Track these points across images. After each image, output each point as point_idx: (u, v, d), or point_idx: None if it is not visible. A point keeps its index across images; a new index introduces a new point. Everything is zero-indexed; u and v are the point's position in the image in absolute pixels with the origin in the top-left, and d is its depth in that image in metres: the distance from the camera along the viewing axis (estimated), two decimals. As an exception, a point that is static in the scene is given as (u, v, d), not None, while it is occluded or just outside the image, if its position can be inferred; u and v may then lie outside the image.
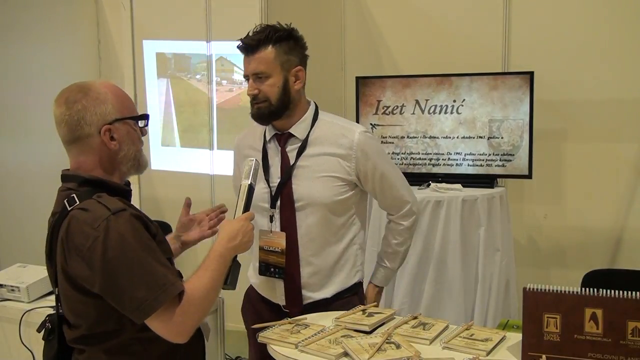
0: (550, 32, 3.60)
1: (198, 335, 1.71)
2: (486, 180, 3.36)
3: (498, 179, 3.43)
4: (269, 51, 1.97)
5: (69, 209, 1.52)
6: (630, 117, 3.52)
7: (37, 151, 3.88)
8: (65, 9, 4.27)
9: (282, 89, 1.99)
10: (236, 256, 1.67)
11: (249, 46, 1.98)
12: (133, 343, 1.55)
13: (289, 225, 2.03)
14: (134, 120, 1.63)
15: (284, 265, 2.03)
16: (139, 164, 1.65)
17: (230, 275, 1.63)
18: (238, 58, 4.05)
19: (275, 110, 2.00)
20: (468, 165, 3.43)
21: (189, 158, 4.23)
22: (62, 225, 1.52)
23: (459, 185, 3.28)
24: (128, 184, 1.71)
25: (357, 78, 3.58)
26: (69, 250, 1.50)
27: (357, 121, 3.53)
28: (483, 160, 3.40)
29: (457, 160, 3.44)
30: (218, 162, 4.07)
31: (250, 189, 1.79)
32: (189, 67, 4.18)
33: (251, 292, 2.20)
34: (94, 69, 4.48)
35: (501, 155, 3.37)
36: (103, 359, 1.56)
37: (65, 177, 1.61)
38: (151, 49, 4.24)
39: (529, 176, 3.33)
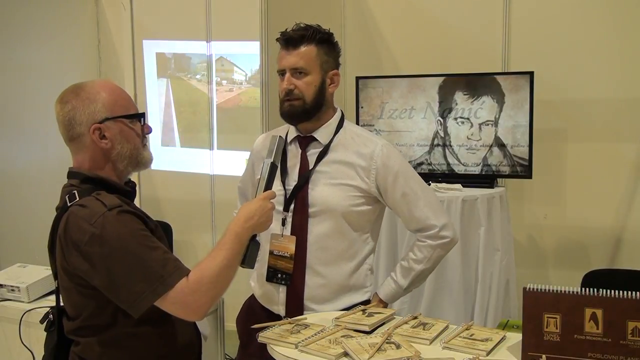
0: (550, 32, 3.60)
1: (196, 336, 1.73)
2: (486, 180, 3.35)
3: (498, 179, 3.42)
4: (311, 48, 1.95)
5: (69, 204, 1.56)
6: (630, 117, 3.52)
7: (37, 151, 3.88)
8: (65, 9, 4.27)
9: (318, 89, 1.96)
10: (255, 235, 1.67)
11: (292, 40, 1.95)
12: (126, 337, 1.59)
13: (299, 230, 1.98)
14: (128, 118, 1.64)
15: (291, 271, 1.98)
16: (137, 161, 1.67)
17: (248, 254, 1.63)
18: (238, 58, 4.07)
19: (308, 110, 1.96)
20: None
21: (189, 158, 4.23)
22: (62, 220, 1.57)
23: (459, 185, 3.28)
24: (133, 185, 1.74)
25: (357, 78, 3.57)
26: (67, 245, 1.54)
27: (357, 123, 3.52)
28: (505, 172, 3.26)
29: (474, 171, 3.30)
30: (218, 162, 4.07)
31: (273, 167, 1.75)
32: (189, 67, 4.18)
33: (252, 302, 2.15)
34: (94, 69, 4.48)
35: (527, 166, 3.22)
36: (97, 351, 1.60)
37: (70, 173, 1.66)
38: (151, 49, 4.24)
39: (529, 176, 3.32)
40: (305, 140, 2.04)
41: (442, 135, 3.23)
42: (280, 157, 1.80)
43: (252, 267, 1.66)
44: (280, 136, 1.80)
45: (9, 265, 2.85)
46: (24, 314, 2.44)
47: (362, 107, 3.29)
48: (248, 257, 1.64)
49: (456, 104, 3.25)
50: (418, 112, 3.20)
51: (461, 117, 3.18)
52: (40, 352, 1.78)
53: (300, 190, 1.99)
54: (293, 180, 2.01)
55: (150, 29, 4.11)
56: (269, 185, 1.74)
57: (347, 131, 2.04)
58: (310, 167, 2.00)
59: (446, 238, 2.02)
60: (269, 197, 1.71)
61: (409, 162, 3.28)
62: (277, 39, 2.01)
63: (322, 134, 2.02)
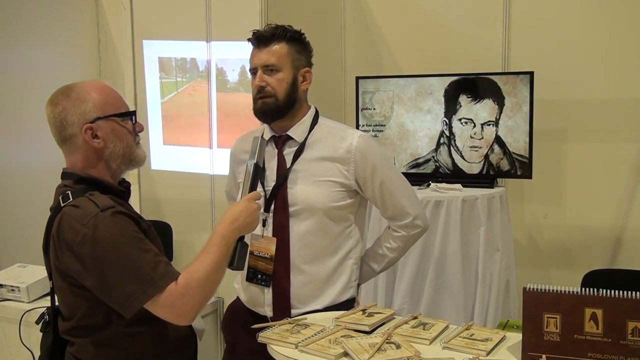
0: (550, 32, 3.60)
1: (190, 334, 1.73)
2: (486, 180, 3.35)
3: (498, 179, 3.43)
4: (282, 46, 1.97)
5: (62, 205, 1.57)
6: (630, 117, 3.51)
7: (37, 151, 3.88)
8: (65, 9, 4.27)
9: (290, 86, 1.97)
10: (243, 237, 1.66)
11: (263, 38, 1.98)
12: (120, 337, 1.59)
13: (281, 230, 1.99)
14: (119, 117, 1.64)
15: (271, 272, 1.98)
16: (131, 159, 1.68)
17: (237, 256, 1.63)
18: (237, 57, 4.06)
19: (281, 107, 1.97)
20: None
21: (189, 158, 4.23)
22: (55, 220, 1.57)
23: (459, 185, 3.28)
24: (127, 185, 1.74)
25: (357, 78, 3.58)
26: (60, 245, 1.55)
27: (357, 122, 3.53)
28: (505, 168, 3.28)
29: (477, 168, 3.32)
30: (218, 161, 4.07)
31: (257, 168, 1.75)
32: (190, 67, 4.18)
33: (237, 305, 2.15)
34: (94, 69, 4.48)
35: (525, 162, 3.25)
36: (91, 351, 1.60)
37: (64, 174, 1.67)
38: (152, 49, 4.24)
39: (529, 176, 3.32)
40: (281, 140, 2.04)
41: (448, 134, 3.28)
42: (263, 158, 1.80)
43: (242, 269, 1.66)
44: (262, 137, 1.81)
45: (9, 265, 2.86)
46: (24, 314, 2.44)
47: (374, 109, 3.34)
48: (237, 259, 1.63)
49: (460, 106, 3.29)
50: (425, 113, 3.27)
51: (465, 118, 3.24)
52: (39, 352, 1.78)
53: (279, 190, 1.99)
54: (272, 180, 2.02)
55: (150, 29, 4.11)
56: (253, 186, 1.74)
57: (322, 126, 2.05)
58: (288, 166, 2.00)
59: (418, 228, 2.10)
60: (254, 198, 1.71)
61: (417, 159, 3.36)
62: (249, 39, 2.02)
63: (297, 132, 2.02)
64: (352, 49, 4.05)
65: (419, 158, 3.35)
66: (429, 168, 3.33)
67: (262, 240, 2.01)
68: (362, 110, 3.33)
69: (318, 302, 2.01)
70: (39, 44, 4.03)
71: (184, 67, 4.24)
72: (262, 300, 2.03)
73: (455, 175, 3.36)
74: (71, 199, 1.57)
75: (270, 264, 1.99)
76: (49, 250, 1.62)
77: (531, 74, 3.25)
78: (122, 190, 1.70)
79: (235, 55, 4.03)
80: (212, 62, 4.01)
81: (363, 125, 3.38)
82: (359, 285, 2.18)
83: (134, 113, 1.69)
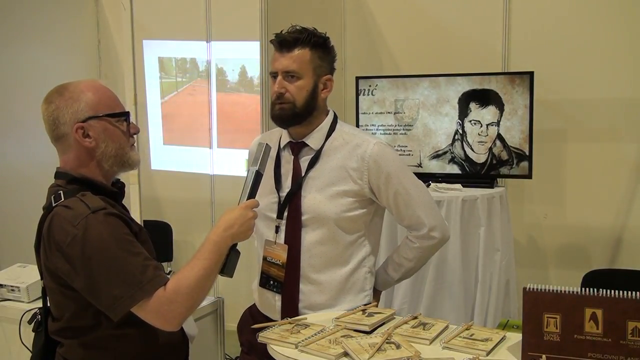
0: (550, 32, 3.60)
1: (181, 338, 1.72)
2: (486, 180, 3.37)
3: (498, 179, 3.44)
4: (305, 52, 1.93)
5: (53, 205, 1.56)
6: (630, 117, 3.52)
7: (37, 151, 3.87)
8: (65, 9, 4.27)
9: (310, 94, 1.94)
10: (236, 244, 1.64)
11: (286, 42, 1.93)
12: (109, 339, 1.57)
13: (293, 238, 1.96)
14: (112, 117, 1.62)
15: (283, 279, 1.97)
16: (123, 161, 1.65)
17: (228, 263, 1.61)
18: (238, 57, 4.06)
19: (298, 114, 1.93)
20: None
21: (189, 158, 4.23)
22: (46, 220, 1.56)
23: (459, 185, 3.29)
24: (121, 185, 1.73)
25: (357, 78, 3.58)
26: (50, 245, 1.54)
27: (357, 121, 3.53)
28: (504, 158, 3.45)
29: (483, 158, 3.49)
30: (218, 162, 4.07)
31: (257, 176, 1.72)
32: (190, 68, 4.18)
33: (254, 309, 2.14)
34: (94, 69, 4.48)
35: (522, 155, 3.42)
36: (79, 353, 1.59)
37: (57, 174, 1.66)
38: (153, 49, 4.24)
39: (529, 176, 3.33)
40: (297, 146, 2.01)
41: (461, 132, 3.51)
42: (266, 165, 1.77)
43: (231, 276, 1.63)
44: (267, 144, 1.76)
45: (9, 265, 2.85)
46: (24, 314, 2.44)
47: (404, 113, 3.61)
48: (228, 266, 1.61)
49: (470, 110, 3.49)
50: (444, 116, 3.54)
51: (474, 120, 3.48)
52: (36, 352, 1.77)
53: (293, 197, 1.97)
54: (286, 187, 1.99)
55: (150, 29, 4.11)
56: (252, 194, 1.70)
57: (339, 133, 2.01)
58: (303, 173, 1.98)
59: (434, 239, 2.03)
60: (250, 206, 1.67)
61: (437, 151, 3.54)
62: (271, 41, 1.98)
63: (314, 140, 1.99)
64: (352, 49, 4.05)
65: (439, 150, 3.59)
66: (446, 158, 3.58)
67: (275, 246, 1.99)
68: (394, 114, 3.65)
69: (334, 310, 1.97)
70: (39, 45, 4.03)
71: (184, 67, 4.24)
72: (273, 305, 2.02)
73: (455, 176, 3.45)
74: (63, 199, 1.55)
75: (282, 270, 1.97)
76: (40, 249, 1.61)
77: (531, 74, 3.27)
78: (114, 191, 1.67)
79: (235, 55, 4.04)
80: (212, 62, 4.02)
81: (395, 126, 3.62)
82: (380, 292, 2.15)
83: (128, 114, 1.66)
